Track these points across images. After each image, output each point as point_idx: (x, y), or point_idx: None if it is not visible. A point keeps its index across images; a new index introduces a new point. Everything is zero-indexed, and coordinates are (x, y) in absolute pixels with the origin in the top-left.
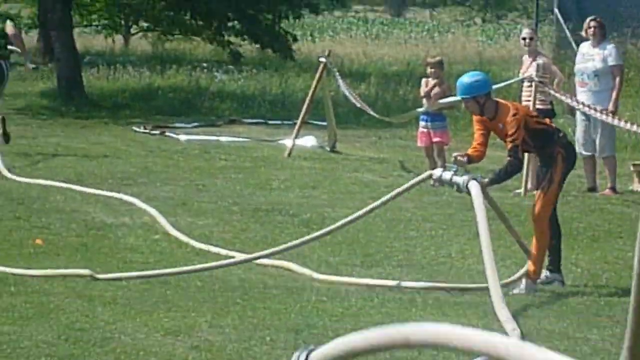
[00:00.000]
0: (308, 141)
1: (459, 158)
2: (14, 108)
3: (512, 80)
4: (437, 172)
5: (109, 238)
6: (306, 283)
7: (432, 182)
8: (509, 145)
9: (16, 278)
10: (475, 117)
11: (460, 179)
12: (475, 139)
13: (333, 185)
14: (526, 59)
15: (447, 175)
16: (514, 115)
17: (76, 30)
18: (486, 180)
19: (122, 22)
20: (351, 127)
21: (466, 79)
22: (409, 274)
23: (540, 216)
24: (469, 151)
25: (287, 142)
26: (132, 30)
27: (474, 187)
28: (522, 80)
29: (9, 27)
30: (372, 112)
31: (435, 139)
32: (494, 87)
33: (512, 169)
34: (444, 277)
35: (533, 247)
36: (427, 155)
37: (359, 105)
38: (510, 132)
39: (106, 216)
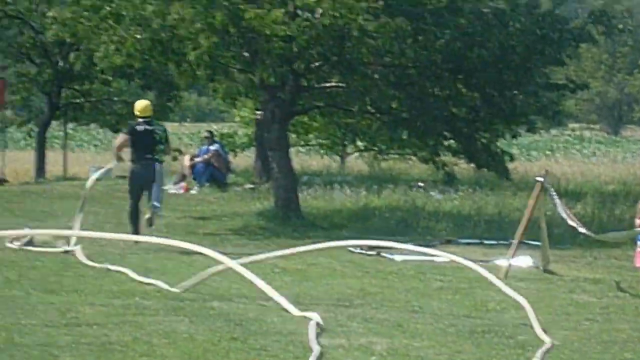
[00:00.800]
0: (524, 261)
1: None
2: (231, 229)
3: None
4: None
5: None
6: None
7: None
8: None
9: None
10: None
11: None
12: None
13: (548, 306)
14: None
15: None
16: None
17: (292, 149)
18: None
19: (339, 141)
20: (567, 247)
21: None
22: None
23: None
24: None
25: (503, 263)
26: (349, 150)
27: None
28: None
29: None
30: (587, 232)
31: None
32: None
33: None
34: None
35: None
36: None
37: (574, 224)
38: None
39: (322, 338)
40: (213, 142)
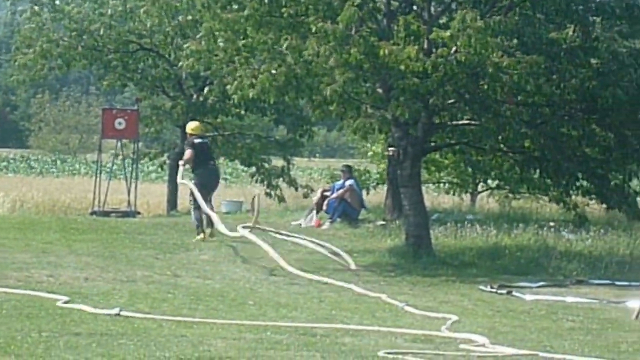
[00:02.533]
0: None
1: None
2: (362, 265)
3: None
4: None
5: None
6: None
7: None
8: None
9: None
10: None
11: None
12: None
13: None
14: None
15: None
16: None
17: (423, 187)
18: None
19: (470, 179)
20: None
21: None
22: None
23: None
24: None
25: (635, 304)
26: (479, 188)
27: None
28: None
29: None
30: None
31: None
32: None
33: None
34: None
35: None
36: None
37: None
38: None
39: None
40: (349, 177)
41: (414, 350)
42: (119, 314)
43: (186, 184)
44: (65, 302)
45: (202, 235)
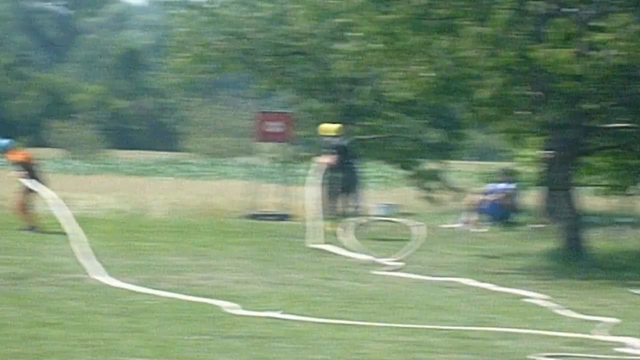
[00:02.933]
0: None
1: None
2: (517, 268)
3: None
4: None
5: None
6: None
7: None
8: None
9: None
10: None
11: None
12: None
13: None
14: None
15: None
16: None
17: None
18: None
19: (625, 182)
20: None
21: None
22: None
23: None
24: None
25: None
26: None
27: None
28: None
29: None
30: None
31: None
32: None
33: None
34: None
35: None
36: None
37: None
38: None
39: None
40: (510, 180)
41: (568, 353)
42: (278, 317)
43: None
44: (234, 309)
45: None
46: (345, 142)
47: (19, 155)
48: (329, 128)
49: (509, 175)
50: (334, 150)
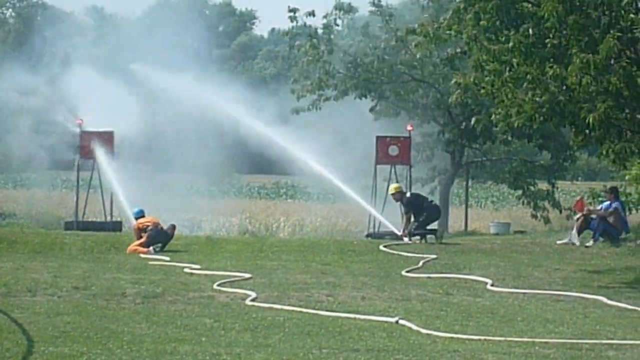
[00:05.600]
0: None
1: None
2: (624, 282)
3: None
4: None
5: None
6: None
7: None
8: None
9: None
10: None
11: None
12: None
13: None
14: None
15: None
16: None
17: None
18: None
19: None
20: None
21: None
22: None
23: None
24: None
25: None
26: None
27: None
28: None
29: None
30: None
31: None
32: None
33: None
34: None
35: None
36: None
37: None
38: None
39: None
40: (615, 199)
41: None
42: (397, 322)
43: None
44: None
45: None
46: (409, 195)
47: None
48: (392, 188)
49: (616, 194)
50: (405, 209)
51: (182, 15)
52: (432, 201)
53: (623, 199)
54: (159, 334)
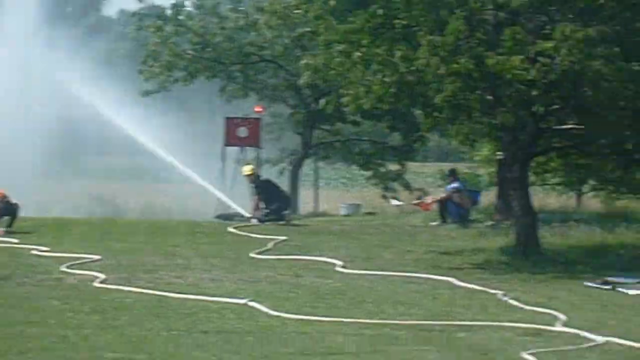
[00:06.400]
0: None
1: None
2: (474, 263)
3: None
4: None
5: None
6: None
7: None
8: None
9: None
10: None
11: None
12: None
13: None
14: None
15: None
16: None
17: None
18: None
19: (576, 180)
20: None
21: None
22: None
23: None
24: None
25: None
26: (583, 189)
27: None
28: None
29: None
30: None
31: None
32: None
33: None
34: None
35: None
36: None
37: None
38: None
39: None
40: (455, 180)
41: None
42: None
43: None
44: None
45: None
46: (263, 179)
47: None
48: (248, 169)
49: (454, 175)
50: (257, 191)
51: None
52: (283, 191)
53: (474, 180)
54: (6, 316)
